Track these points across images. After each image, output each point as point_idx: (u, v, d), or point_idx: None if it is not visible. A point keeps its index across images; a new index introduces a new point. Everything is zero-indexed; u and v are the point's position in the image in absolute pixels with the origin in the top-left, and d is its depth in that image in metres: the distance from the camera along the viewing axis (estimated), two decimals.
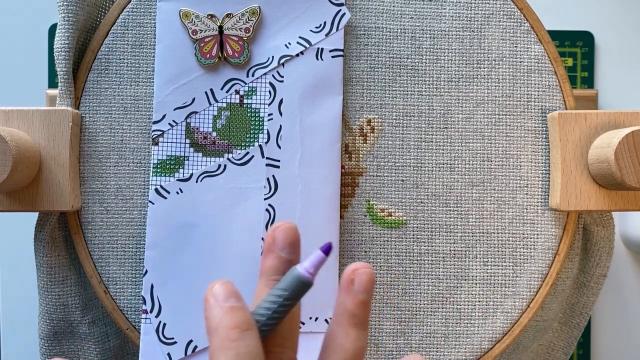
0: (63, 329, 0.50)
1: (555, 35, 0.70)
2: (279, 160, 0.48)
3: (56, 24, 0.54)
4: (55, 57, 0.47)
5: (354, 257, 0.48)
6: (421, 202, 0.49)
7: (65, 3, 0.47)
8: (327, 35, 0.48)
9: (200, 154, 0.48)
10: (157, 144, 0.48)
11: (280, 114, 0.48)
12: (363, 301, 0.38)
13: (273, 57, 0.48)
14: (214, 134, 0.48)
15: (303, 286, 0.36)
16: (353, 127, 0.49)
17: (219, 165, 0.48)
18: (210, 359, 0.36)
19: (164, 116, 0.48)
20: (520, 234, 0.49)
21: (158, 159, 0.48)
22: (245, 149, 0.48)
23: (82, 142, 0.48)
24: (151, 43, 0.49)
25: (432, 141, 0.49)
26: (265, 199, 0.48)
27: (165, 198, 0.47)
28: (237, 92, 0.48)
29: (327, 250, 0.36)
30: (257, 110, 0.48)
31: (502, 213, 0.49)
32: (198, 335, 0.47)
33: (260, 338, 0.36)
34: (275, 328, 0.37)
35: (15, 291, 0.70)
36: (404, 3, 0.49)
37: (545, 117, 0.49)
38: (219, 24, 0.48)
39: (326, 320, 0.47)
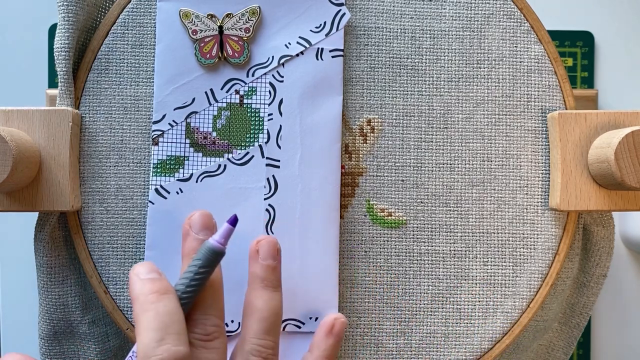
0: (63, 329, 0.50)
1: (555, 35, 0.70)
2: (279, 160, 0.48)
3: (56, 24, 0.54)
4: (55, 57, 0.47)
5: (354, 257, 0.48)
6: (421, 202, 0.49)
7: (65, 3, 0.47)
8: (327, 35, 0.48)
9: (200, 154, 0.48)
10: (157, 144, 0.48)
11: (280, 114, 0.48)
12: (269, 265, 0.43)
13: (273, 57, 0.48)
14: (214, 134, 0.48)
15: (214, 254, 0.40)
16: (353, 127, 0.49)
17: (219, 165, 0.48)
18: (135, 327, 0.38)
19: (164, 116, 0.48)
20: (520, 234, 0.49)
21: (158, 159, 0.48)
22: (245, 149, 0.48)
23: (82, 142, 0.48)
24: (151, 43, 0.49)
25: (432, 141, 0.49)
26: (265, 199, 0.48)
27: (165, 198, 0.47)
28: (237, 92, 0.48)
29: (233, 221, 0.41)
30: (257, 110, 0.48)
31: (502, 213, 0.49)
32: None
33: (183, 308, 0.39)
34: (195, 296, 0.40)
35: (15, 291, 0.70)
36: (404, 3, 0.49)
37: (545, 117, 0.49)
38: (219, 24, 0.48)
39: None
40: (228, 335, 0.47)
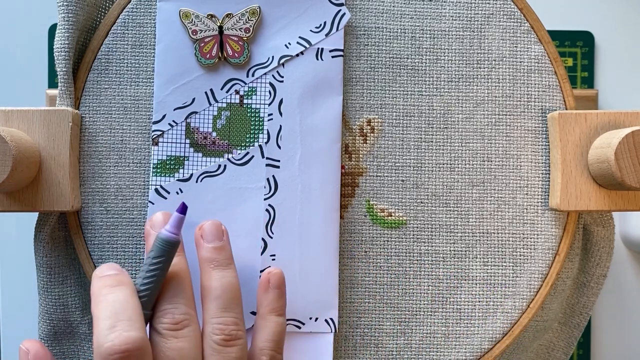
0: (63, 329, 0.50)
1: (555, 35, 0.70)
2: (279, 160, 0.48)
3: (56, 24, 0.54)
4: (55, 57, 0.47)
5: (354, 257, 0.48)
6: (421, 202, 0.49)
7: (65, 3, 0.47)
8: (327, 35, 0.48)
9: (200, 154, 0.48)
10: (157, 144, 0.48)
11: (280, 114, 0.48)
12: (215, 247, 0.43)
13: (273, 57, 0.48)
14: (214, 134, 0.48)
15: (166, 243, 0.41)
16: (353, 127, 0.49)
17: (219, 166, 0.48)
18: (94, 322, 0.38)
19: (164, 116, 0.48)
20: (520, 234, 0.49)
21: (158, 159, 0.48)
22: (245, 149, 0.48)
23: (82, 142, 0.48)
24: (151, 43, 0.49)
25: (432, 141, 0.49)
26: (265, 199, 0.48)
27: (165, 198, 0.47)
28: (237, 92, 0.48)
29: (181, 210, 0.41)
30: (257, 110, 0.48)
31: (502, 213, 0.49)
32: None
33: (145, 299, 0.40)
34: (157, 286, 0.40)
35: (15, 291, 0.70)
36: (404, 3, 0.49)
37: (545, 117, 0.49)
38: (219, 24, 0.48)
39: (326, 321, 0.47)
40: None
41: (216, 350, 0.40)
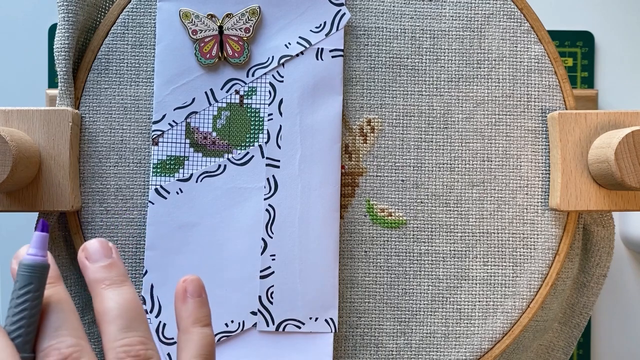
0: None
1: (555, 35, 0.70)
2: (279, 160, 0.48)
3: (56, 24, 0.54)
4: (55, 57, 0.47)
5: (354, 257, 0.48)
6: (421, 202, 0.49)
7: (65, 3, 0.47)
8: (327, 35, 0.48)
9: (200, 154, 0.48)
10: (157, 144, 0.48)
11: (280, 114, 0.48)
12: (103, 266, 0.37)
13: (273, 57, 0.48)
14: (214, 134, 0.48)
15: (33, 268, 0.34)
16: (353, 127, 0.49)
17: (219, 166, 0.48)
18: None
19: (164, 116, 0.48)
20: (520, 234, 0.49)
21: (158, 159, 0.48)
22: (245, 149, 0.48)
23: (82, 142, 0.48)
24: (151, 43, 0.49)
25: (432, 141, 0.49)
26: (265, 199, 0.48)
27: (165, 198, 0.47)
28: (237, 92, 0.48)
29: (42, 227, 0.35)
30: (257, 110, 0.48)
31: (502, 213, 0.49)
32: None
33: (19, 340, 0.33)
34: (31, 322, 0.34)
35: None
36: (404, 3, 0.49)
37: (545, 117, 0.49)
38: (219, 24, 0.48)
39: (326, 321, 0.47)
40: (227, 336, 0.47)
41: None
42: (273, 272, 0.47)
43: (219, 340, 0.47)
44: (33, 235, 0.35)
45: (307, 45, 0.48)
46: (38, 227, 0.35)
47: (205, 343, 0.38)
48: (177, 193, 0.48)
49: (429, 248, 0.49)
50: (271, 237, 0.47)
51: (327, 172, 0.48)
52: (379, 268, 0.49)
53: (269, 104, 0.48)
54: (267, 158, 0.48)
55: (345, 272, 0.48)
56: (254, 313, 0.47)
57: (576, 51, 0.71)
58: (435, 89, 0.49)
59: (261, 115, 0.48)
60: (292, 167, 0.48)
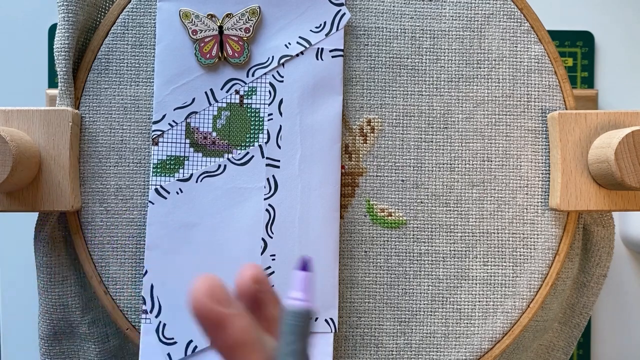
0: (63, 329, 0.50)
1: (555, 35, 0.70)
2: (279, 160, 0.48)
3: (56, 24, 0.54)
4: (55, 57, 0.47)
5: (354, 257, 0.48)
6: (421, 202, 0.49)
7: (65, 3, 0.47)
8: (327, 35, 0.48)
9: (200, 154, 0.48)
10: (157, 144, 0.48)
11: (280, 114, 0.48)
12: None
13: (273, 57, 0.48)
14: (214, 134, 0.48)
15: (299, 317, 0.31)
16: (353, 127, 0.49)
17: (219, 166, 0.48)
18: None
19: (164, 116, 0.48)
20: (520, 234, 0.49)
21: (158, 159, 0.48)
22: (245, 149, 0.48)
23: (82, 142, 0.48)
24: (151, 43, 0.49)
25: (432, 141, 0.49)
26: (265, 199, 0.48)
27: (165, 198, 0.47)
28: (237, 92, 0.48)
29: (304, 265, 0.32)
30: (257, 110, 0.48)
31: (502, 213, 0.49)
32: (198, 335, 0.47)
33: None
34: None
35: (15, 291, 0.70)
36: (404, 3, 0.49)
37: (545, 117, 0.49)
38: (219, 24, 0.48)
39: (326, 320, 0.47)
40: None
41: None
42: (273, 272, 0.47)
43: None
44: (295, 275, 0.31)
45: (307, 45, 0.48)
46: (299, 265, 0.31)
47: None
48: (177, 193, 0.48)
49: (429, 248, 0.49)
50: (271, 237, 0.47)
51: (327, 172, 0.48)
52: (379, 268, 0.49)
53: (269, 104, 0.48)
54: (267, 158, 0.48)
55: (345, 272, 0.48)
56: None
57: (576, 51, 0.71)
58: (435, 89, 0.49)
59: (261, 115, 0.48)
60: (292, 167, 0.48)
